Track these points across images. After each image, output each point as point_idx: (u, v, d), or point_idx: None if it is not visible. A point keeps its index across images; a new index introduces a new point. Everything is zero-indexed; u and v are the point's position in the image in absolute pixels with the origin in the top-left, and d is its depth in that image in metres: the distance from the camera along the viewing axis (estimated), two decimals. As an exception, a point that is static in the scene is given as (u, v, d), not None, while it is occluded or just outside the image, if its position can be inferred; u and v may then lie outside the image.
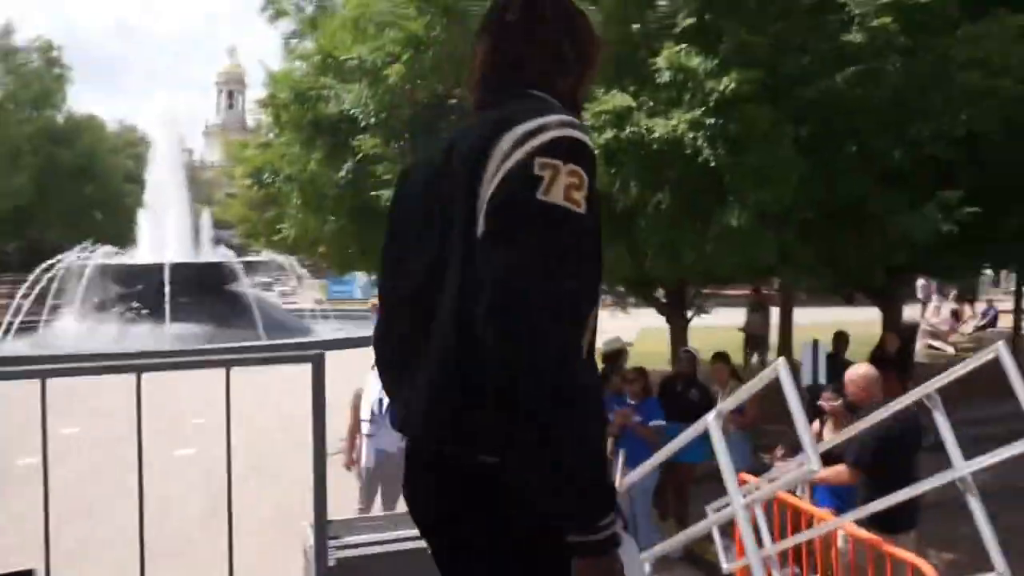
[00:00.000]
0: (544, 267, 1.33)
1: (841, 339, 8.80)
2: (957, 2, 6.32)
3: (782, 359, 2.78)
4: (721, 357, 7.09)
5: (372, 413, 6.46)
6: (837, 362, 7.62)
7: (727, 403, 3.16)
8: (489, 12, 1.66)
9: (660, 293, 9.92)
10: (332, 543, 5.25)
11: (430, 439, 1.53)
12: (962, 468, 3.61)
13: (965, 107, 6.46)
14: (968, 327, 20.24)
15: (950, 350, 17.47)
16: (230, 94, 74.93)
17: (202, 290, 22.27)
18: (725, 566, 4.88)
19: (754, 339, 13.38)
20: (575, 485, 1.31)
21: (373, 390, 6.51)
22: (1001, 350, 2.89)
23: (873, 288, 10.08)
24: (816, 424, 5.81)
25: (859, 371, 5.42)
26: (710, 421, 3.05)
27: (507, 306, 1.32)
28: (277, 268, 26.60)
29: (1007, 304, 15.69)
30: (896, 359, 8.52)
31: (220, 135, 56.95)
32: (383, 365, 1.71)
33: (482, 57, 1.62)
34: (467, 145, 1.45)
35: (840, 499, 5.62)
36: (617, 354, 7.26)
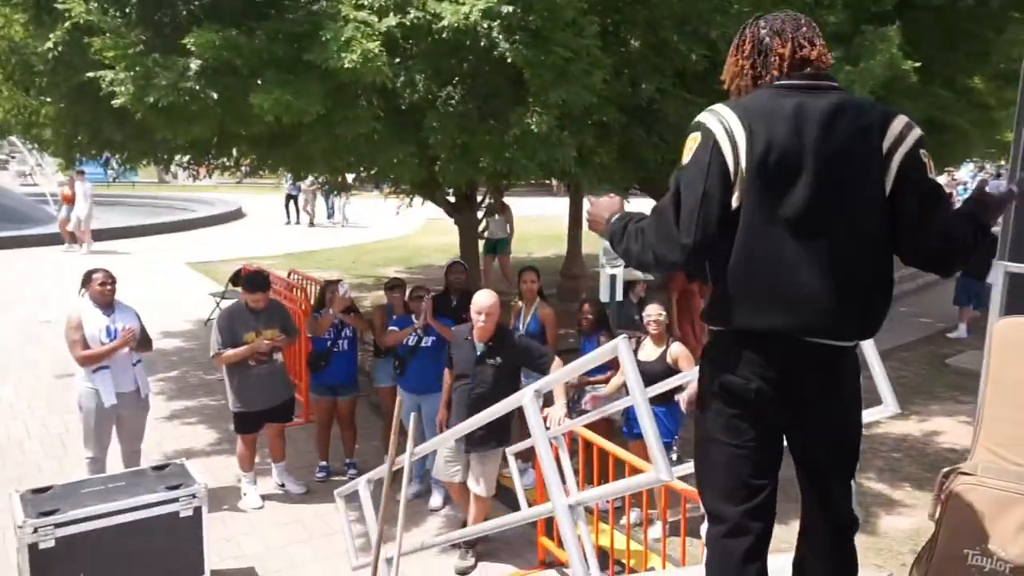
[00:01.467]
0: None
1: None
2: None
3: (623, 339, 2.12)
4: (533, 270, 6.48)
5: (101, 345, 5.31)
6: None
7: (542, 383, 2.51)
8: None
9: (448, 193, 9.14)
10: (50, 520, 4.24)
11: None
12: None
13: (758, 11, 6.11)
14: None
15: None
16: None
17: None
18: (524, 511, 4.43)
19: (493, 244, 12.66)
20: None
21: (94, 318, 5.32)
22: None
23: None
24: (632, 342, 5.50)
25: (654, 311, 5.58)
26: (525, 402, 2.39)
27: None
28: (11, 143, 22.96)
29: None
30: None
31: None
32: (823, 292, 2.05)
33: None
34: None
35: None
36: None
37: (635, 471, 4.26)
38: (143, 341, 5.65)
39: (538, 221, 23.26)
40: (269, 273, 6.41)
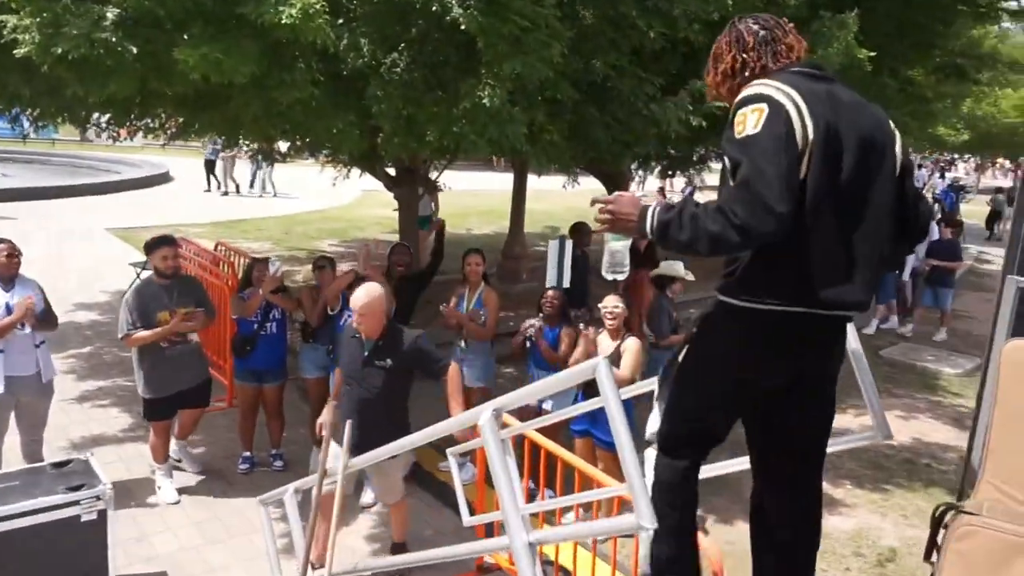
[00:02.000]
0: None
1: (582, 232, 7.94)
2: None
3: (603, 360, 1.80)
4: (478, 252, 6.07)
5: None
6: (580, 262, 6.96)
7: (504, 401, 2.15)
8: None
9: (388, 166, 8.67)
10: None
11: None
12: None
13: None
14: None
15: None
16: None
17: None
18: (467, 519, 4.09)
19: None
20: None
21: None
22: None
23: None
24: (591, 330, 5.22)
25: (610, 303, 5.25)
26: (483, 424, 2.04)
27: None
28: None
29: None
30: (646, 254, 7.93)
31: None
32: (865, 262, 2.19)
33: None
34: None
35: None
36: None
37: (586, 478, 3.97)
38: (47, 319, 5.11)
39: (477, 196, 22.85)
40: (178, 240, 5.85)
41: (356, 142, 5.55)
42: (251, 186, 21.99)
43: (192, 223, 16.23)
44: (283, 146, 8.14)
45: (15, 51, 4.28)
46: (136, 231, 14.80)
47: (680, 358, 2.45)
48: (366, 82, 5.25)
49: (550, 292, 5.68)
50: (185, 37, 4.36)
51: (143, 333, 5.22)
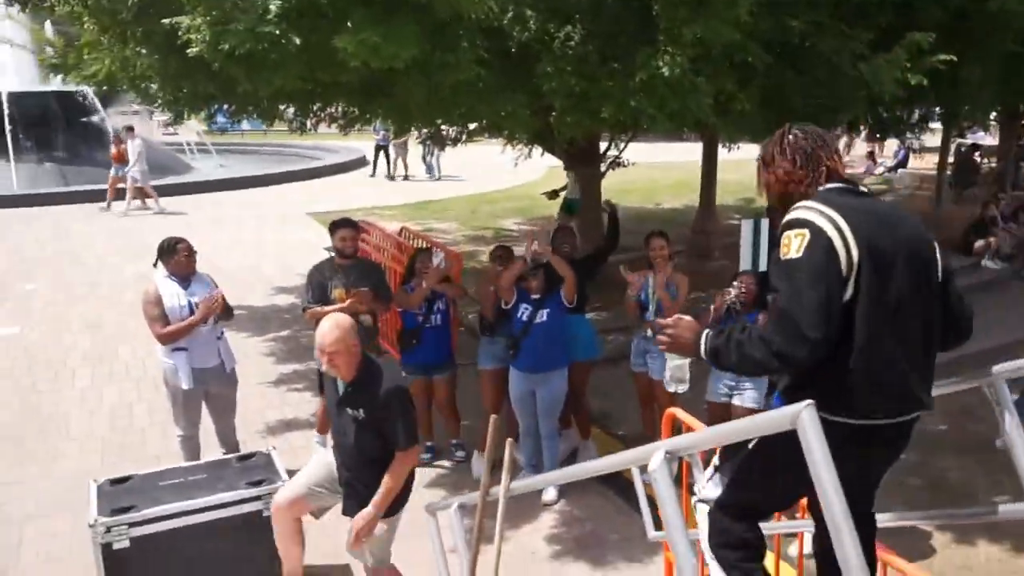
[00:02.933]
0: None
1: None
2: None
3: (808, 408, 1.38)
4: (662, 235, 5.57)
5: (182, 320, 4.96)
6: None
7: (680, 444, 1.76)
8: None
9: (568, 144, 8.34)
10: (123, 519, 3.88)
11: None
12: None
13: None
14: (879, 168, 19.53)
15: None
16: None
17: (51, 123, 19.33)
18: (651, 533, 3.75)
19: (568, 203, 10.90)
20: None
21: (172, 291, 4.95)
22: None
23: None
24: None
25: None
26: (655, 470, 1.67)
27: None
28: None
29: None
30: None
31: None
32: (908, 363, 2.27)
33: None
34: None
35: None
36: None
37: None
38: (224, 310, 5.26)
39: (667, 169, 22.06)
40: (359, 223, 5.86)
41: (527, 123, 5.28)
42: (427, 170, 21.93)
43: (384, 205, 16.79)
44: (452, 131, 8.03)
45: (188, 50, 4.35)
46: (334, 214, 15.48)
47: (750, 447, 2.41)
48: (535, 58, 4.94)
49: (745, 277, 5.09)
50: (347, 25, 4.24)
51: (319, 308, 5.35)
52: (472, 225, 14.79)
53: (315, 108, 7.46)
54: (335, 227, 5.62)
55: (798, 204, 2.25)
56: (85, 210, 16.49)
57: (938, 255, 2.36)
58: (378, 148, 21.91)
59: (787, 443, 1.93)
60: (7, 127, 18.17)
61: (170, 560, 3.90)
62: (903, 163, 19.90)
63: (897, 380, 2.23)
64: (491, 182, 20.38)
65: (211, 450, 5.51)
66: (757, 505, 2.49)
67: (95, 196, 17.06)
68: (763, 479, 2.39)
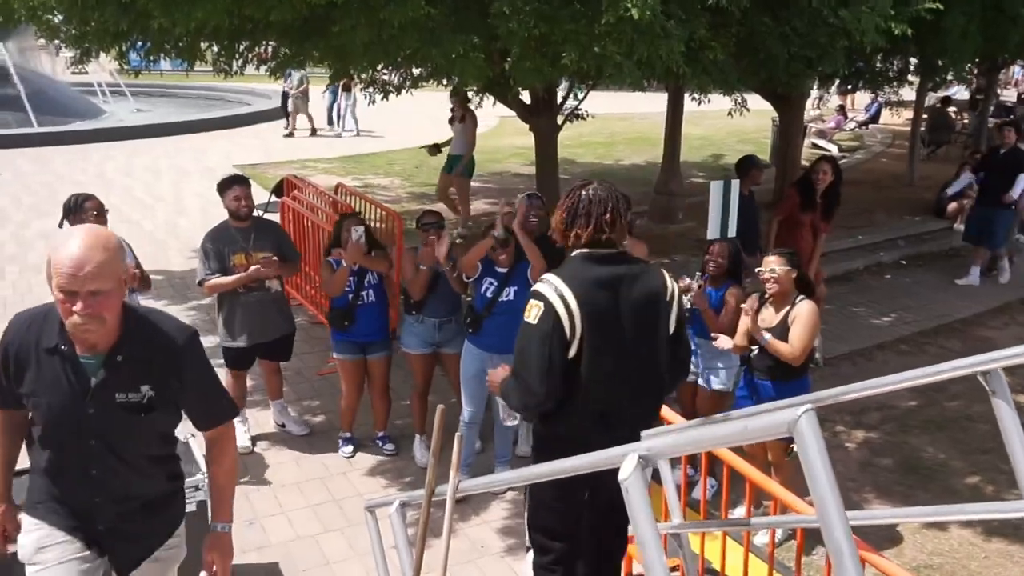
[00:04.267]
0: None
1: (752, 168, 7.00)
2: None
3: (807, 413, 1.24)
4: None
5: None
6: (744, 203, 6.14)
7: (657, 447, 1.60)
8: None
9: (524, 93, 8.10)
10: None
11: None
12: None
13: None
14: (850, 124, 19.67)
15: (834, 150, 16.79)
16: None
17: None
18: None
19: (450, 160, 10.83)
20: None
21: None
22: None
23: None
24: (752, 300, 4.46)
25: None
26: (626, 477, 1.52)
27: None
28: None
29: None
30: (824, 199, 6.89)
31: None
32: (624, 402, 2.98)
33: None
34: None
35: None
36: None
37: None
38: (141, 281, 4.99)
39: (627, 121, 21.94)
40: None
41: (480, 69, 5.03)
42: (329, 122, 20.25)
43: (319, 157, 16.35)
44: (395, 77, 7.68)
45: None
46: (263, 167, 15.04)
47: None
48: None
49: (715, 247, 4.98)
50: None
51: (218, 280, 5.21)
52: (416, 181, 14.46)
53: (241, 48, 7.09)
54: (225, 186, 5.36)
55: (542, 277, 2.96)
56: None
57: (672, 310, 3.03)
58: (284, 96, 19.58)
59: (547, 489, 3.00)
60: None
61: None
62: (875, 118, 20.07)
63: (615, 415, 2.91)
64: (420, 137, 19.74)
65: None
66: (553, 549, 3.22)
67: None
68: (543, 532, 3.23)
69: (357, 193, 8.86)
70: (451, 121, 10.76)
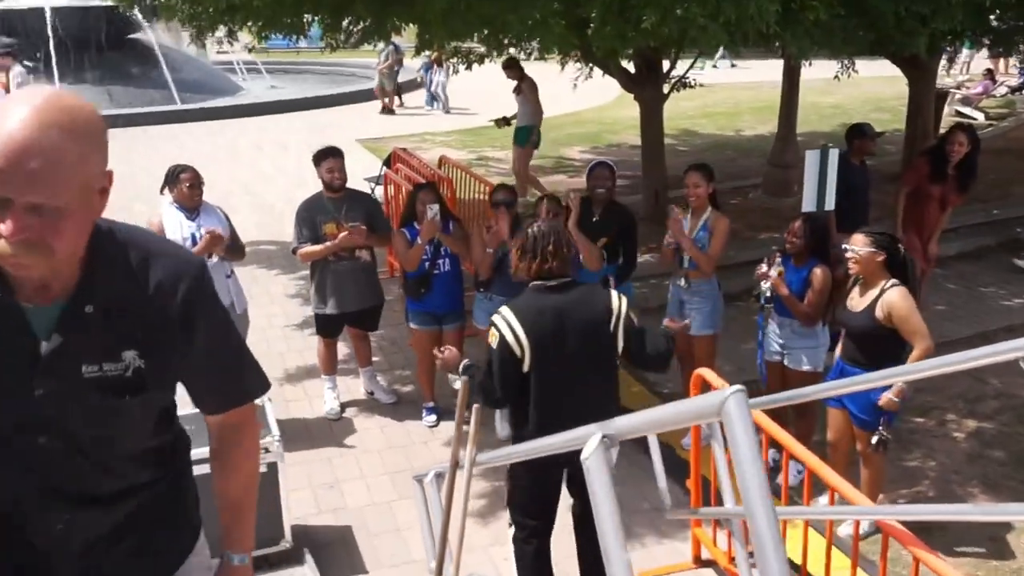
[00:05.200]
0: None
1: (861, 137, 6.58)
2: None
3: (737, 394, 1.12)
4: (700, 169, 5.01)
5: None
6: (849, 172, 5.75)
7: (620, 427, 1.51)
8: None
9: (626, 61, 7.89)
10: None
11: None
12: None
13: None
14: (1001, 89, 18.22)
15: (980, 117, 15.61)
16: None
17: (96, 41, 19.55)
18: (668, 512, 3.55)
19: (520, 132, 10.63)
20: None
21: (176, 221, 4.86)
22: None
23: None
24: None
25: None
26: (589, 456, 1.43)
27: None
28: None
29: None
30: (958, 171, 6.34)
31: None
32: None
33: None
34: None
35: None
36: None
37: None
38: (234, 248, 5.16)
39: (755, 89, 21.09)
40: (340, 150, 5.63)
41: (560, 35, 4.91)
42: (428, 102, 20.13)
43: (437, 131, 16.52)
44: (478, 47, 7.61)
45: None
46: (384, 141, 15.31)
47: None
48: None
49: (796, 223, 4.65)
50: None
51: (310, 248, 5.36)
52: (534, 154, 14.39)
53: (345, 23, 7.20)
54: (320, 158, 5.50)
55: (498, 310, 3.51)
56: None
57: (619, 327, 3.50)
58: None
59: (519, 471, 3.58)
60: (51, 45, 18.41)
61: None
62: (1029, 83, 18.55)
63: (560, 416, 3.09)
64: (579, 102, 19.16)
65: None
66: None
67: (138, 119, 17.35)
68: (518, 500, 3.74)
69: (461, 166, 8.89)
70: (516, 91, 10.62)
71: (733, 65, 26.34)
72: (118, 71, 19.78)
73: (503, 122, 10.91)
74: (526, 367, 3.40)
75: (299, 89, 22.70)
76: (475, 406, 2.37)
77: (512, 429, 3.76)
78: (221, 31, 7.68)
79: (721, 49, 25.97)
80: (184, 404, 1.93)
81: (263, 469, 3.98)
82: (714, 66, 25.98)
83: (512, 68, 10.28)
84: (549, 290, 3.44)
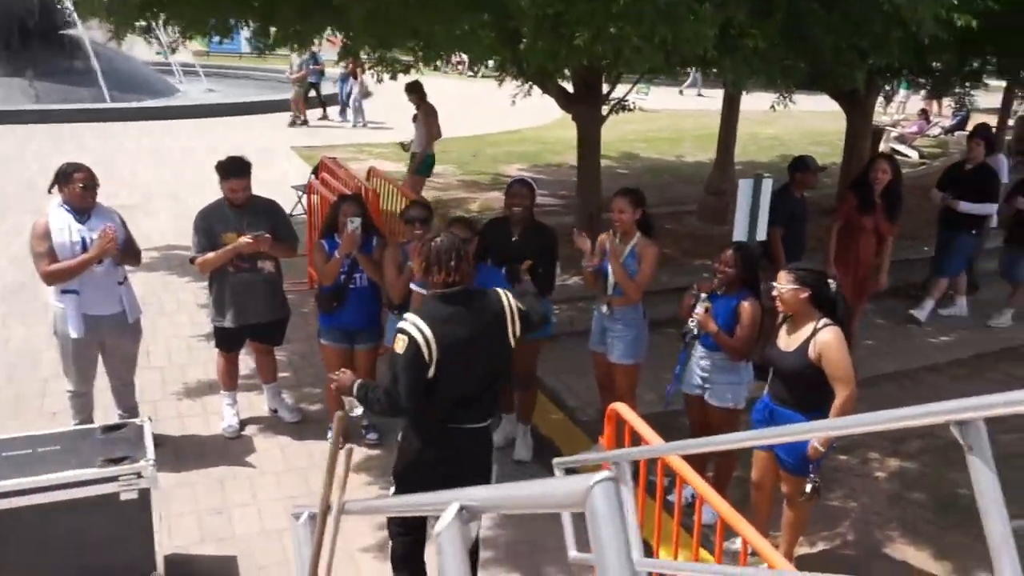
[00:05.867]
0: None
1: (803, 170, 6.39)
2: None
3: (603, 484, 0.89)
4: (627, 194, 4.84)
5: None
6: (790, 204, 5.64)
7: (478, 497, 1.29)
8: None
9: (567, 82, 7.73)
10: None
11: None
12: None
13: None
14: (935, 129, 18.66)
15: (914, 156, 15.91)
16: None
17: (24, 34, 18.82)
18: (572, 554, 3.31)
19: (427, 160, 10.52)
20: None
21: (64, 223, 4.52)
22: None
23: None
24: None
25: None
26: (441, 537, 1.20)
27: None
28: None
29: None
30: (884, 199, 6.37)
31: None
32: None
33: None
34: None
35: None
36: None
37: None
38: (128, 252, 4.84)
39: (697, 117, 21.25)
40: (250, 163, 5.29)
41: (488, 48, 4.71)
42: (341, 113, 19.55)
43: (375, 143, 16.22)
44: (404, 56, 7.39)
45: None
46: (319, 150, 14.94)
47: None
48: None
49: (726, 253, 4.50)
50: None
51: (207, 256, 5.05)
52: (470, 169, 14.21)
53: (273, 29, 6.91)
54: (223, 175, 5.10)
55: (405, 316, 3.57)
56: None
57: (514, 319, 3.67)
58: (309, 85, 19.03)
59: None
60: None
61: (13, 542, 3.51)
62: (961, 124, 19.01)
63: (466, 403, 3.60)
64: (518, 120, 18.73)
65: (109, 412, 5.15)
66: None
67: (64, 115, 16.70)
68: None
69: (389, 180, 8.63)
70: (413, 119, 10.52)
71: (700, 95, 26.56)
72: (45, 66, 19.04)
73: (403, 147, 10.79)
74: (431, 373, 3.47)
75: (236, 93, 22.16)
76: (348, 447, 2.13)
77: (411, 420, 3.76)
78: (139, 28, 7.32)
79: (691, 76, 26.38)
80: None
81: (132, 496, 3.68)
82: (680, 92, 26.18)
83: (414, 92, 10.14)
84: (450, 299, 3.55)
